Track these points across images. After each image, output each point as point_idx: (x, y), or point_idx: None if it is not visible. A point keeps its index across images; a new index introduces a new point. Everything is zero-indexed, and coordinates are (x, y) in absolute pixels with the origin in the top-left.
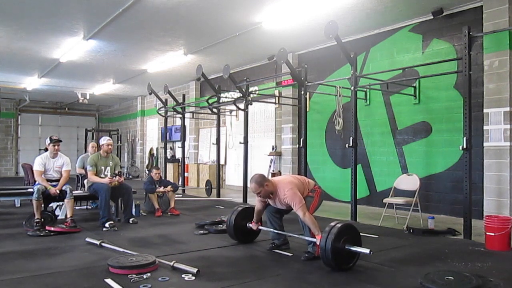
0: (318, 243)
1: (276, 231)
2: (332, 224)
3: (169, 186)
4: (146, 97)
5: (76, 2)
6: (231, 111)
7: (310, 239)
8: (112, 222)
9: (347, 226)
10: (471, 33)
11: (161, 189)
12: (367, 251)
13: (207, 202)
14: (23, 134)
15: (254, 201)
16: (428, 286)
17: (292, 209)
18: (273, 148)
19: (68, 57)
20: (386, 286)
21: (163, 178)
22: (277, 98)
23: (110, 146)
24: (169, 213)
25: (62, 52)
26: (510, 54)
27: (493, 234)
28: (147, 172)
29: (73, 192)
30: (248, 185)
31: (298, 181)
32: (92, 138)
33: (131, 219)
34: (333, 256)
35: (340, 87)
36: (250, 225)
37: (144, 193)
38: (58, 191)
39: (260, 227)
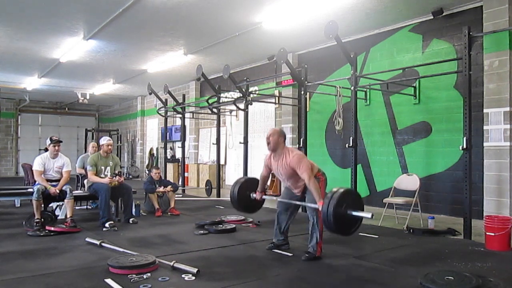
0: (320, 209)
1: (276, 229)
2: (334, 189)
3: (169, 186)
4: (146, 97)
5: (76, 2)
6: (231, 111)
7: (313, 205)
8: (112, 222)
9: (349, 191)
10: (471, 33)
11: (161, 189)
12: (369, 215)
13: (207, 202)
14: (23, 134)
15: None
16: (428, 286)
17: (297, 209)
18: None
19: (68, 57)
20: (386, 286)
21: (163, 178)
22: (277, 98)
23: (110, 146)
24: (169, 213)
25: (62, 52)
26: (510, 54)
27: (493, 234)
28: (147, 172)
29: (73, 192)
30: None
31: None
32: (92, 138)
33: (131, 219)
34: (335, 221)
35: (340, 87)
36: (254, 195)
37: (144, 193)
38: (58, 191)
39: (264, 196)
